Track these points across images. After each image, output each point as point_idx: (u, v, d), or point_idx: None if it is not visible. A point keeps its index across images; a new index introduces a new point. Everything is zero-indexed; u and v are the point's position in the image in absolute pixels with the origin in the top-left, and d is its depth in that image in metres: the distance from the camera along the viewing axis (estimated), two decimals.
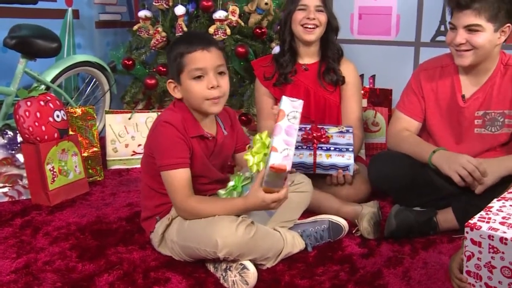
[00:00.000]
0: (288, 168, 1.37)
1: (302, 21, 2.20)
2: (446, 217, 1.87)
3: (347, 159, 2.06)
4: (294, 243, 1.67)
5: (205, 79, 1.57)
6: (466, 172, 1.77)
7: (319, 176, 2.08)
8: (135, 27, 3.07)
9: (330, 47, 2.30)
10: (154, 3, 3.00)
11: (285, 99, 1.47)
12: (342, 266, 1.64)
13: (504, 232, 1.01)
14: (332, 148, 2.09)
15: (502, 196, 1.20)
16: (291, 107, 1.46)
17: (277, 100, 2.33)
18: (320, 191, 2.02)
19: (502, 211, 1.10)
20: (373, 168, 2.02)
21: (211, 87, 1.57)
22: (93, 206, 2.18)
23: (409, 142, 2.02)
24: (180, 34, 2.86)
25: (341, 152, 2.07)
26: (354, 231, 1.86)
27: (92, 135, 2.55)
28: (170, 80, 1.64)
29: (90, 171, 2.51)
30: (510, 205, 1.13)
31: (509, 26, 1.81)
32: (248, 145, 1.55)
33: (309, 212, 1.88)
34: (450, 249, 1.74)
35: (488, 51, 1.83)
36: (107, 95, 3.23)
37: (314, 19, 2.20)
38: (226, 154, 1.78)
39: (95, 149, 2.54)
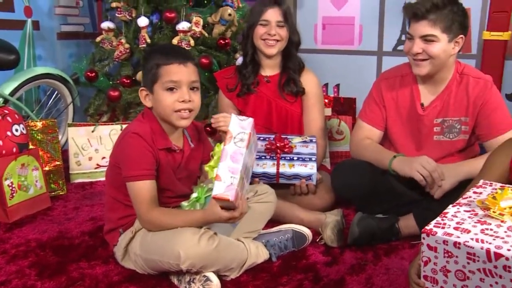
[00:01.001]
0: (232, 198, 1.37)
1: (263, 36, 2.23)
2: (407, 223, 1.90)
3: (310, 168, 2.07)
4: (258, 253, 1.68)
5: (178, 92, 1.59)
6: (427, 172, 1.83)
7: (283, 186, 2.09)
8: (98, 39, 3.03)
9: (292, 60, 2.32)
10: (117, 15, 2.97)
11: (233, 119, 1.47)
12: (306, 274, 1.65)
13: (458, 237, 1.03)
14: (295, 158, 2.10)
15: (457, 201, 1.22)
16: (239, 127, 1.45)
17: (240, 112, 2.34)
18: (284, 201, 2.03)
19: (456, 217, 1.13)
20: (336, 177, 2.05)
21: (182, 101, 1.58)
22: (54, 221, 2.14)
23: (371, 150, 2.06)
24: (144, 45, 2.84)
25: (304, 162, 2.09)
26: (318, 240, 1.88)
27: (54, 149, 2.50)
28: (142, 88, 1.65)
29: (52, 185, 2.46)
30: (465, 210, 1.16)
31: (462, 37, 1.88)
32: (211, 153, 1.55)
33: (273, 222, 1.88)
34: (411, 255, 1.77)
35: (443, 61, 1.89)
36: (70, 108, 3.18)
37: (275, 34, 2.22)
38: (193, 167, 1.77)
39: (57, 162, 2.49)
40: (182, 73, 1.59)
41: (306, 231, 1.83)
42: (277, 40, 2.23)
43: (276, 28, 2.22)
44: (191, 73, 1.61)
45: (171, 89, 1.58)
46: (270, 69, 2.35)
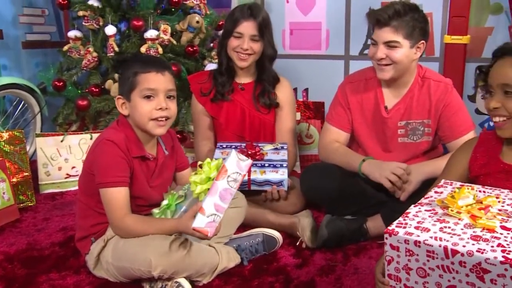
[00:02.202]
0: (210, 234, 1.41)
1: (236, 48, 2.23)
2: (375, 224, 1.95)
3: (281, 174, 2.09)
4: (229, 257, 1.70)
5: (155, 100, 1.61)
6: (396, 177, 1.88)
7: (254, 193, 2.11)
8: (65, 48, 3.00)
9: (265, 72, 2.33)
10: (84, 23, 2.95)
11: (233, 156, 1.46)
12: (277, 277, 1.68)
13: (418, 236, 1.07)
14: (266, 165, 2.12)
15: (419, 201, 1.26)
16: (236, 167, 1.45)
17: (213, 118, 2.34)
18: (255, 206, 2.05)
19: (417, 216, 1.16)
20: (305, 180, 2.09)
21: (159, 108, 1.60)
22: (23, 233, 2.11)
23: (339, 153, 2.10)
24: (112, 54, 2.83)
25: (275, 168, 2.11)
26: (298, 243, 1.90)
27: (22, 160, 2.46)
28: (119, 96, 1.66)
29: (21, 197, 2.43)
30: (425, 210, 1.20)
31: (423, 43, 1.94)
32: (199, 164, 1.56)
33: (244, 226, 1.90)
34: (379, 254, 1.81)
35: (406, 66, 1.95)
36: (38, 118, 3.13)
37: (247, 49, 2.22)
38: (167, 175, 1.78)
39: (25, 174, 2.46)
40: (160, 81, 1.61)
41: (277, 235, 1.86)
42: (250, 54, 2.24)
43: (250, 42, 2.22)
44: (168, 81, 1.64)
45: (148, 96, 1.60)
46: (244, 77, 2.36)
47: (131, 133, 1.65)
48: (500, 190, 1.27)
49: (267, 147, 2.21)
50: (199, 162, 1.54)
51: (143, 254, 1.47)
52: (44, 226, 2.18)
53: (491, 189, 1.29)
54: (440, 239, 1.04)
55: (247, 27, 2.21)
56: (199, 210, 1.42)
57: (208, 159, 1.52)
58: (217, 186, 1.43)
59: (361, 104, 2.11)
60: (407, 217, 1.16)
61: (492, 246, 0.99)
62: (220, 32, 2.78)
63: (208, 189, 1.45)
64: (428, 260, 1.05)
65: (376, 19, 1.92)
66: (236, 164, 1.46)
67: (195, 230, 1.43)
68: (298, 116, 3.01)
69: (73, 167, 2.71)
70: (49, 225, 2.20)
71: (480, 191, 1.27)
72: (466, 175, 1.47)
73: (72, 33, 2.98)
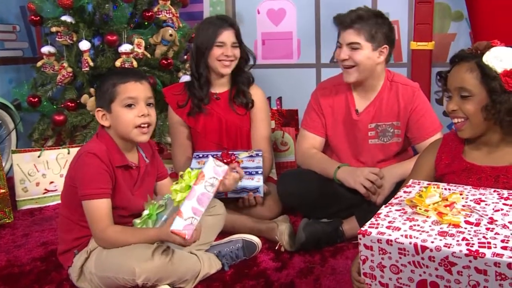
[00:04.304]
0: (188, 237, 1.46)
1: (220, 57, 2.29)
2: (351, 225, 2.02)
3: (257, 181, 2.14)
4: (210, 264, 1.74)
5: (136, 108, 1.65)
6: (370, 183, 1.96)
7: (232, 200, 2.15)
8: (39, 63, 3.01)
9: (241, 74, 2.40)
10: (57, 39, 2.97)
11: (210, 162, 1.53)
12: (258, 281, 1.72)
13: (390, 235, 1.12)
14: None
15: (390, 202, 1.31)
16: (213, 172, 1.51)
17: (191, 129, 2.39)
18: (234, 213, 2.10)
19: (388, 216, 1.21)
20: (282, 186, 2.14)
21: (142, 115, 1.65)
22: (2, 250, 2.09)
23: (316, 159, 2.17)
24: (87, 69, 2.85)
25: (250, 175, 2.16)
26: (277, 247, 1.95)
27: None
28: (99, 109, 1.69)
29: None
30: (396, 210, 1.25)
31: (386, 47, 2.03)
32: (180, 174, 1.60)
33: (224, 233, 1.94)
34: (355, 254, 1.84)
35: (369, 68, 2.03)
36: (13, 134, 3.12)
37: (231, 55, 2.29)
38: (149, 183, 1.82)
39: (2, 190, 2.45)
40: (139, 90, 1.66)
41: (256, 240, 1.91)
42: (232, 60, 2.31)
43: (232, 49, 2.30)
44: (147, 89, 1.69)
45: (129, 105, 1.65)
46: (219, 87, 2.41)
47: (111, 144, 1.68)
48: (463, 187, 1.35)
49: (242, 155, 2.26)
50: (180, 173, 1.59)
51: (127, 263, 1.50)
52: (24, 242, 2.17)
53: (455, 186, 1.36)
54: (410, 236, 1.09)
55: (228, 36, 2.30)
56: (177, 213, 1.47)
57: (189, 169, 1.57)
58: (195, 190, 1.48)
59: (332, 108, 2.19)
60: (379, 217, 1.21)
61: (458, 241, 1.05)
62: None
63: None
64: (400, 257, 1.10)
65: (341, 22, 2.03)
66: (213, 169, 1.52)
67: (174, 233, 1.46)
68: (273, 124, 3.07)
69: (51, 182, 2.71)
70: (29, 240, 2.19)
71: (445, 189, 1.34)
72: (433, 175, 1.55)
73: (45, 49, 3.00)
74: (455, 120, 1.44)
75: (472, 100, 1.39)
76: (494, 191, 1.31)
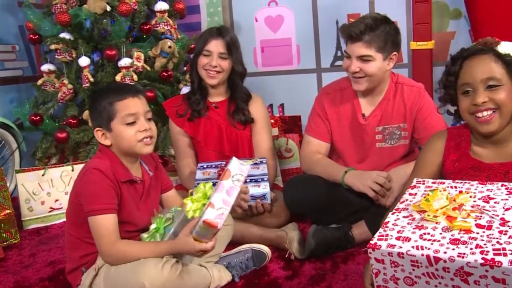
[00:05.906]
0: (219, 226, 1.44)
1: (205, 66, 2.29)
2: (360, 230, 1.99)
3: (263, 188, 2.13)
4: (221, 276, 1.71)
5: (137, 124, 1.64)
6: (379, 186, 1.93)
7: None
8: (40, 82, 3.01)
9: (237, 90, 2.39)
10: (57, 56, 2.97)
11: (234, 161, 1.54)
12: None
13: (400, 247, 1.08)
14: (247, 180, 2.15)
15: (396, 207, 1.26)
16: (238, 169, 1.52)
17: (192, 138, 2.38)
18: (242, 222, 2.08)
19: (397, 225, 1.17)
20: (288, 193, 2.12)
21: (144, 130, 1.64)
22: (9, 271, 2.08)
23: (322, 164, 2.14)
24: (87, 85, 2.85)
25: (256, 183, 2.15)
26: (286, 255, 1.92)
27: (3, 197, 2.43)
28: (98, 129, 1.67)
29: (4, 235, 2.39)
30: (403, 217, 1.20)
31: (395, 54, 2.01)
32: (190, 191, 1.59)
33: (233, 243, 1.92)
34: (366, 259, 1.83)
35: (380, 77, 2.02)
36: (16, 154, 3.11)
37: (216, 66, 2.28)
38: (155, 196, 1.80)
39: (7, 211, 2.43)
40: (138, 105, 1.65)
41: (265, 249, 1.88)
42: (218, 72, 2.30)
43: (218, 59, 2.28)
44: (145, 104, 1.69)
45: (131, 122, 1.63)
46: (217, 96, 2.41)
47: (115, 159, 1.67)
48: (469, 183, 1.31)
49: (246, 163, 2.24)
50: (190, 190, 1.58)
51: (136, 278, 1.48)
52: (31, 262, 2.16)
53: (461, 183, 1.32)
54: (422, 247, 1.06)
55: (216, 45, 2.29)
56: (208, 205, 1.45)
57: (203, 183, 1.57)
58: (223, 185, 1.48)
59: (338, 114, 2.17)
60: (387, 227, 1.17)
61: (471, 249, 1.01)
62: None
63: (204, 204, 1.49)
64: (413, 269, 1.07)
65: (348, 35, 1.97)
66: (238, 167, 1.53)
67: (206, 223, 1.43)
68: (276, 131, 3.06)
69: (57, 200, 2.70)
70: (36, 260, 2.17)
71: (451, 187, 1.30)
72: (438, 170, 1.52)
73: (45, 67, 3.00)
74: (484, 114, 1.42)
75: (502, 89, 1.40)
76: (502, 185, 1.27)
